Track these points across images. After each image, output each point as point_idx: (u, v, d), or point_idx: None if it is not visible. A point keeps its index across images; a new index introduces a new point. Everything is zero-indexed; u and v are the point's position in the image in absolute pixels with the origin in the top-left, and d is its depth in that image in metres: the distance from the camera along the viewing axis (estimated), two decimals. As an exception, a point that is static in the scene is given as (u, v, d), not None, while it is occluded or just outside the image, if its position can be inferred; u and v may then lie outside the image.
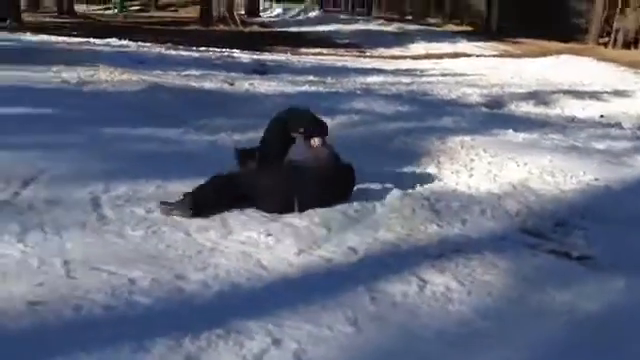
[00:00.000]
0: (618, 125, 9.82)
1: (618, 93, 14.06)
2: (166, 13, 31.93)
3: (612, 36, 32.82)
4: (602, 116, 11.08)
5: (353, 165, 5.09)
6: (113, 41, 16.02)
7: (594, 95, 13.31)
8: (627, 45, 31.92)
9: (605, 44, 32.35)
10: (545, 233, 4.72)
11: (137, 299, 3.13)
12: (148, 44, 16.51)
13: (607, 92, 13.97)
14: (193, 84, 10.04)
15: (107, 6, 33.01)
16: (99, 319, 2.92)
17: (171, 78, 10.49)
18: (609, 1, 31.95)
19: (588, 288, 3.74)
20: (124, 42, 16.15)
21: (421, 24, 33.93)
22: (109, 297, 3.10)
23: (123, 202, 4.52)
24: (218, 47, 17.48)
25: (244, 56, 15.99)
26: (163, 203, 4.38)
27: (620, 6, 31.68)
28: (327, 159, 5.05)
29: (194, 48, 16.77)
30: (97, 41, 15.61)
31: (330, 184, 4.86)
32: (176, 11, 34.04)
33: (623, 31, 31.65)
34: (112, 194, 4.64)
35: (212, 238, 4.00)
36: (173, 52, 15.43)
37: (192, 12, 31.80)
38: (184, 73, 11.34)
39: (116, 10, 32.09)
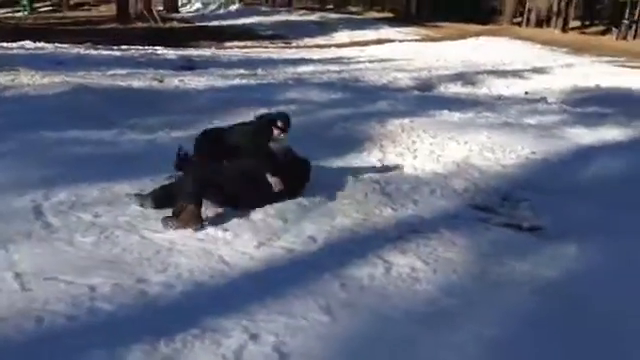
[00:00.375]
0: (543, 100, 10.23)
1: (538, 70, 14.66)
2: (79, 12, 30.70)
3: (525, 16, 34.22)
4: (527, 93, 11.51)
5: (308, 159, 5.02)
6: (27, 44, 15.27)
7: (516, 73, 13.82)
8: (539, 24, 33.33)
9: (519, 24, 33.68)
10: (494, 207, 4.86)
11: (100, 306, 2.98)
12: (65, 45, 15.84)
13: (528, 70, 14.54)
14: (120, 83, 9.69)
15: (16, 8, 31.26)
16: (63, 330, 2.77)
17: (96, 78, 10.09)
18: (521, -18, 33.26)
19: (543, 257, 3.87)
20: (39, 44, 15.43)
21: (342, 13, 34.20)
22: (70, 307, 2.94)
23: (67, 208, 4.30)
24: (140, 45, 17.00)
25: (169, 53, 15.60)
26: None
27: (532, -14, 32.98)
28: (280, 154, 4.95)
29: (114, 47, 16.22)
30: (11, 45, 14.83)
31: (286, 177, 4.78)
32: (89, 10, 32.76)
33: (535, 10, 33.04)
34: (54, 200, 4.40)
35: (168, 238, 3.87)
36: (93, 52, 14.86)
37: (106, 10, 30.78)
38: (109, 73, 10.94)
39: (26, 12, 30.57)
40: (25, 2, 30.77)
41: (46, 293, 3.05)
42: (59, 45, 15.61)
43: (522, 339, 2.93)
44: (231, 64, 13.97)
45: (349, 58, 16.45)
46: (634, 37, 30.26)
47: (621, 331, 3.04)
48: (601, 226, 4.42)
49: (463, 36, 23.94)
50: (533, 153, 6.18)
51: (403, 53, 17.67)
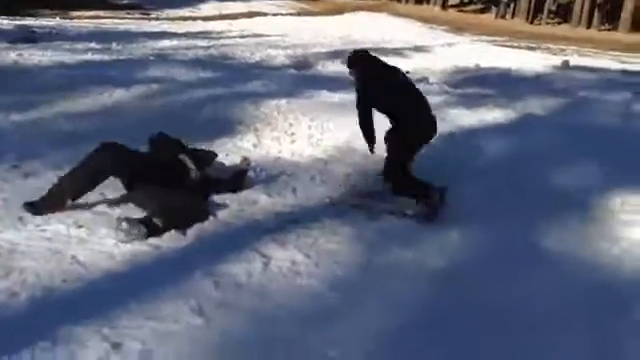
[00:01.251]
0: (425, 80, 10.67)
1: (418, 49, 15.32)
2: None
3: (405, -9, 35.55)
4: (407, 72, 11.94)
5: None
6: None
7: (397, 52, 14.34)
8: (419, 1, 34.78)
9: (399, 0, 34.94)
10: (377, 194, 4.99)
11: None
12: None
13: (408, 48, 15.15)
14: (-60, 57, 8.96)
15: None
16: None
17: None
18: (400, -45, 34.49)
19: (429, 245, 4.06)
20: None
21: (209, -18, 33.60)
22: None
23: None
24: (-35, 12, 15.81)
25: (2, 22, 14.60)
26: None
27: (410, -40, 34.34)
28: None
29: None
30: None
31: None
32: None
33: (415, -14, 34.44)
34: None
35: (9, 238, 3.62)
36: None
37: None
38: None
39: None
40: None
41: None
42: None
43: (410, 330, 3.05)
44: (81, 37, 13.35)
45: (218, 32, 16.29)
46: (512, 16, 32.43)
47: (507, 317, 3.25)
48: (485, 211, 4.68)
49: (341, 11, 24.49)
50: (416, 136, 6.41)
51: (277, 28, 17.75)
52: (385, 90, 4.79)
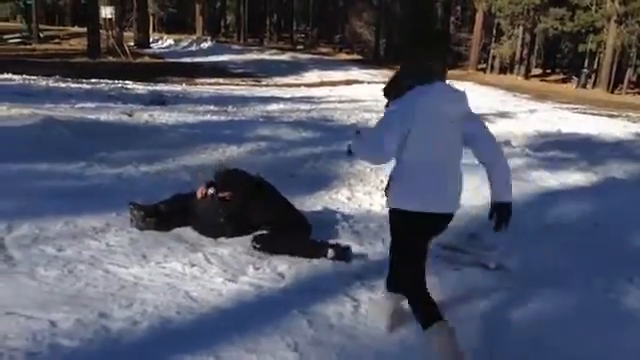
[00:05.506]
0: (508, 144, 10.42)
1: (502, 114, 15.04)
2: (49, 45, 30.42)
3: (489, 62, 35.31)
4: (491, 136, 11.76)
5: None
6: (-5, 75, 15.11)
7: (481, 117, 14.06)
8: (503, 70, 34.39)
9: (484, 70, 34.70)
10: (461, 247, 4.88)
11: (61, 342, 2.90)
12: (34, 77, 15.69)
13: (493, 114, 14.90)
14: (89, 116, 9.60)
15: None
16: (22, 367, 2.67)
17: (64, 111, 9.99)
18: (485, 29, 34.40)
19: (508, 298, 3.90)
20: (7, 75, 15.26)
21: (313, 53, 34.66)
22: (30, 343, 2.85)
23: (30, 242, 4.19)
24: (110, 79, 16.95)
25: (139, 87, 15.57)
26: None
27: (495, 34, 34.17)
28: None
29: (84, 80, 16.13)
30: (-23, 76, 14.64)
31: None
32: (59, 43, 32.51)
33: (499, 57, 34.10)
34: (16, 234, 4.29)
35: (133, 273, 3.80)
36: (62, 85, 14.76)
37: (77, 44, 30.61)
38: (78, 106, 10.86)
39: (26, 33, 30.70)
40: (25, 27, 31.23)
41: (6, 328, 2.95)
42: (28, 77, 15.45)
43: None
44: (202, 100, 14.00)
45: (319, 97, 16.64)
46: (593, 85, 31.41)
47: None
48: (565, 267, 4.47)
49: (430, 80, 24.47)
50: (499, 195, 6.25)
51: (372, 94, 17.90)
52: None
